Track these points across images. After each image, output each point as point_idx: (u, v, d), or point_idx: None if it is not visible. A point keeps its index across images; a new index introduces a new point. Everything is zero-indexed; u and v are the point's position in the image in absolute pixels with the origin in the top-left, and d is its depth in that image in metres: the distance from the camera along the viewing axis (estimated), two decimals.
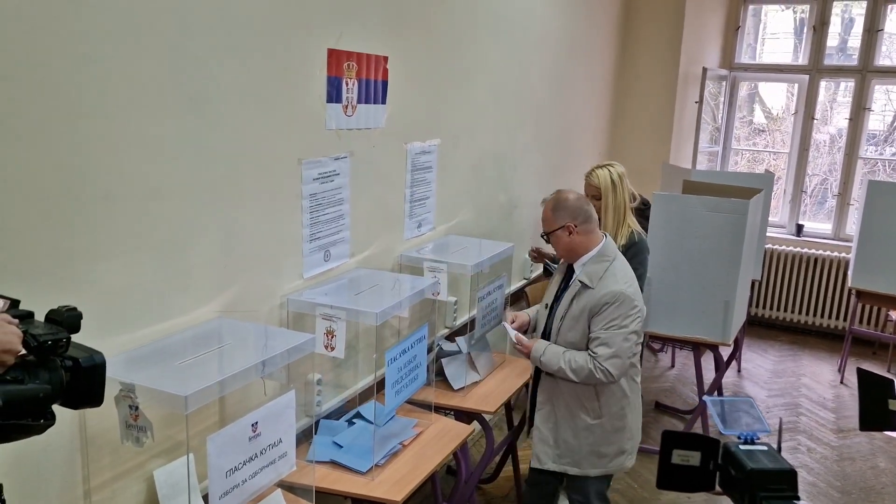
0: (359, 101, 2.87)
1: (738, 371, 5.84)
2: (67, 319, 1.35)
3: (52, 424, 1.29)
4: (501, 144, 4.29)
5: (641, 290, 2.88)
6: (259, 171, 2.43)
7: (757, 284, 6.45)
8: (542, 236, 2.88)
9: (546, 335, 2.85)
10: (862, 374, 1.76)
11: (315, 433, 2.72)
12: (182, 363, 1.94)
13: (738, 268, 4.16)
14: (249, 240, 2.44)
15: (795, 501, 0.99)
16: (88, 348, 1.37)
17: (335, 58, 2.70)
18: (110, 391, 1.86)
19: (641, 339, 2.79)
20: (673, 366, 5.90)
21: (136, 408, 1.81)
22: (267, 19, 2.37)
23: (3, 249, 1.66)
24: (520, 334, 2.87)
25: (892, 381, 1.69)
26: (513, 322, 2.94)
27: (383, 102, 3.05)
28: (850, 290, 6.21)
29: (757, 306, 6.91)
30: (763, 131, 8.19)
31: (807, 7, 6.94)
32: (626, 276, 2.71)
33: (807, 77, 6.94)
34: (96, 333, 1.92)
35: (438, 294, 3.22)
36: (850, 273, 5.88)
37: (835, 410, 5.23)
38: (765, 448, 1.07)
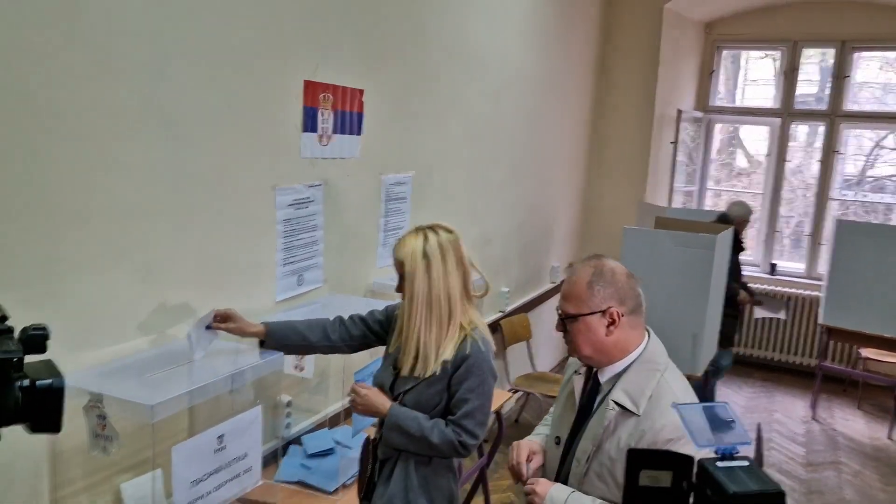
0: (334, 132, 2.98)
1: None
2: (29, 338, 1.30)
3: None
4: (475, 179, 4.41)
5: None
6: (234, 196, 2.52)
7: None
8: (560, 319, 1.88)
9: (561, 478, 1.89)
10: None
11: (284, 454, 2.78)
12: (152, 376, 2.00)
13: (707, 301, 4.25)
14: (223, 262, 2.51)
15: None
16: (54, 370, 1.32)
17: (311, 89, 2.82)
18: (80, 402, 1.93)
19: None
20: None
21: (104, 418, 1.87)
22: (245, 50, 2.48)
23: None
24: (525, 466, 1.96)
25: None
26: (529, 460, 1.97)
27: (359, 133, 3.16)
28: (820, 328, 6.34)
29: (736, 345, 6.99)
30: (741, 174, 8.38)
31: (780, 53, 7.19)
32: (687, 394, 1.81)
33: (779, 120, 7.15)
34: (68, 347, 1.99)
35: None
36: (820, 310, 6.01)
37: (805, 445, 5.30)
38: (746, 464, 0.98)
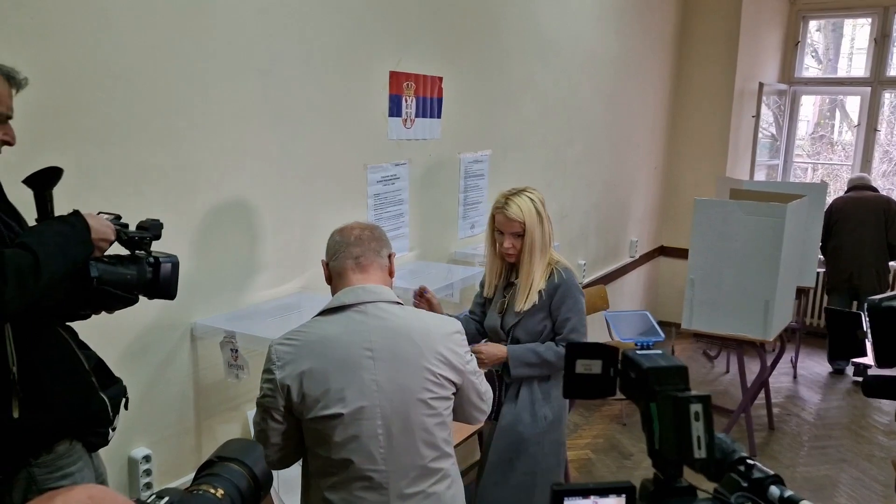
0: (416, 116, 3.40)
1: (794, 377, 6.07)
2: (152, 227, 1.80)
3: (133, 303, 1.76)
4: (550, 157, 4.74)
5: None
6: (332, 174, 2.96)
7: (812, 293, 6.66)
8: None
9: None
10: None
11: None
12: (271, 321, 2.47)
13: (778, 269, 4.45)
14: (325, 230, 2.93)
15: (688, 391, 1.05)
16: (170, 254, 1.80)
17: (396, 79, 3.24)
18: (217, 339, 2.42)
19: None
20: (727, 371, 6.17)
21: (236, 351, 2.36)
22: (339, 48, 2.91)
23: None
24: None
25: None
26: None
27: (438, 117, 3.56)
28: None
29: (814, 317, 7.07)
30: (837, 145, 8.27)
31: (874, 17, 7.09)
32: (303, 332, 1.91)
33: (869, 89, 7.12)
34: (209, 296, 2.47)
35: None
36: None
37: (889, 414, 5.41)
38: (659, 352, 1.10)
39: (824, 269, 6.21)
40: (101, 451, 1.88)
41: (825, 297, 6.58)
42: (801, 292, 5.77)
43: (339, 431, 1.83)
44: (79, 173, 2.03)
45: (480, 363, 2.60)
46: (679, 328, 4.85)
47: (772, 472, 1.12)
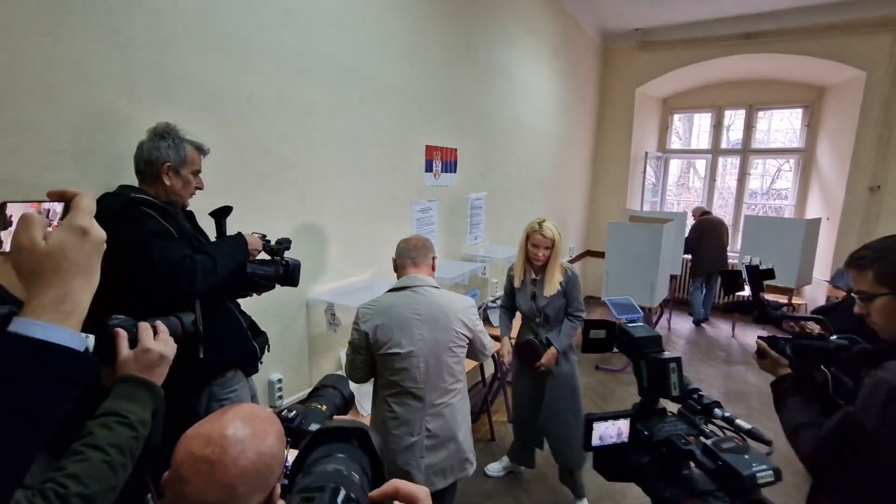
0: (442, 171, 3.32)
1: (669, 329, 5.93)
2: (285, 242, 1.76)
3: (272, 289, 1.69)
4: (522, 196, 4.63)
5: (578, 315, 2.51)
6: (391, 206, 2.88)
7: (679, 278, 6.52)
8: None
9: None
10: (724, 272, 1.67)
11: None
12: (353, 296, 2.40)
13: (658, 263, 4.35)
14: (385, 242, 2.88)
15: (664, 352, 0.98)
16: (295, 258, 1.76)
17: (429, 149, 3.16)
18: (321, 306, 2.34)
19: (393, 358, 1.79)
20: None
21: (334, 315, 2.29)
22: (395, 130, 2.84)
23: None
24: None
25: (740, 271, 1.60)
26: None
27: (455, 172, 3.48)
28: None
29: (680, 293, 6.93)
30: (690, 190, 8.15)
31: (712, 112, 7.00)
32: (378, 301, 1.84)
33: (710, 156, 6.99)
34: (315, 282, 2.40)
35: (485, 274, 3.60)
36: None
37: (723, 348, 5.27)
38: (641, 325, 1.04)
39: (690, 262, 6.03)
40: (253, 377, 1.82)
41: (689, 281, 6.42)
42: (672, 277, 5.64)
43: (396, 363, 1.78)
44: (240, 208, 1.97)
45: (543, 366, 2.50)
46: (599, 300, 4.75)
47: (714, 399, 1.01)
